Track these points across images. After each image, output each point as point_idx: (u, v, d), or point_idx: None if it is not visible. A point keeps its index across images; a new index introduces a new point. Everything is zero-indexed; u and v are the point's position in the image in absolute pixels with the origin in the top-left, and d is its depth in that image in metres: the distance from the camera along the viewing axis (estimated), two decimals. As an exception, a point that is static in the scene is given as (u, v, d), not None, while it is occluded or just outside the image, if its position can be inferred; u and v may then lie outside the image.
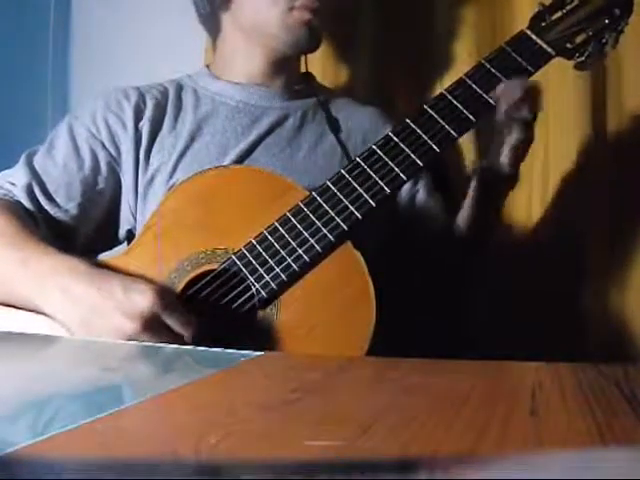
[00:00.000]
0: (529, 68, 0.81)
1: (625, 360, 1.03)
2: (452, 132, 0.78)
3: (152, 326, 0.68)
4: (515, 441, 0.34)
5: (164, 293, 0.71)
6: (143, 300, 0.69)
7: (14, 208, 0.84)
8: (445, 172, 1.06)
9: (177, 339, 0.70)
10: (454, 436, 0.34)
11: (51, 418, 0.41)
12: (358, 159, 0.78)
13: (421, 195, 0.97)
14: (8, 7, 1.25)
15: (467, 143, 1.10)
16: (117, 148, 0.91)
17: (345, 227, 0.75)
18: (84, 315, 0.70)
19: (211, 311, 0.75)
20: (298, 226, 0.76)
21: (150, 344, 0.68)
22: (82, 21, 1.38)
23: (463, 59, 1.11)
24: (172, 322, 0.70)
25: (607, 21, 0.83)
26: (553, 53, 0.82)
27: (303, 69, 1.02)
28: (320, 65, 1.12)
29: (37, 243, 0.77)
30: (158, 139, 0.92)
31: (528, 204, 1.08)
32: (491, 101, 0.80)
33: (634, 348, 1.03)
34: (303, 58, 1.01)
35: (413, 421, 0.38)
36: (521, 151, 0.83)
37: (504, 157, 0.83)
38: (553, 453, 0.32)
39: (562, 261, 1.06)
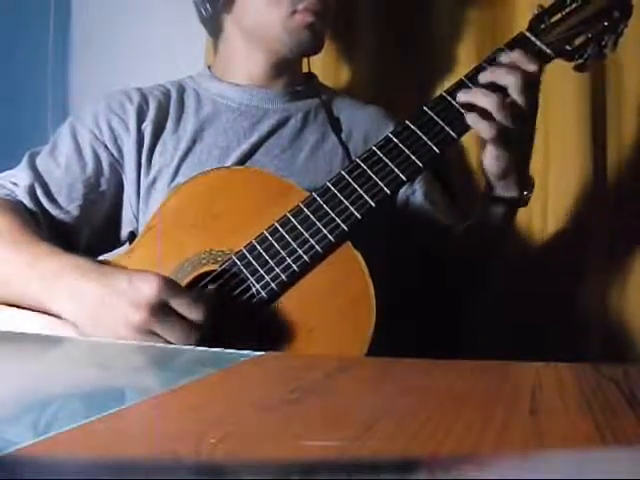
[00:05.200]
0: None
1: (625, 360, 1.03)
2: (451, 133, 0.78)
3: (160, 313, 0.68)
4: (515, 441, 0.34)
5: (170, 280, 0.71)
6: (149, 288, 0.68)
7: (17, 208, 0.84)
8: (446, 172, 1.06)
9: (187, 325, 0.69)
10: (454, 436, 0.34)
11: (52, 418, 0.41)
12: (358, 160, 0.79)
13: (417, 197, 0.97)
14: (8, 8, 1.25)
15: (469, 142, 1.10)
16: (119, 150, 0.91)
17: (345, 228, 0.76)
18: (91, 311, 0.70)
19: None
20: (298, 227, 0.76)
21: (149, 344, 0.68)
22: (82, 22, 1.39)
23: (463, 60, 1.11)
24: (181, 307, 0.69)
25: (606, 23, 0.83)
26: (552, 55, 0.82)
27: (305, 69, 1.02)
28: (320, 65, 1.12)
29: (41, 243, 0.77)
30: (160, 141, 0.92)
31: (529, 204, 1.08)
32: None
33: (634, 348, 1.03)
34: (305, 59, 1.01)
35: (413, 421, 0.38)
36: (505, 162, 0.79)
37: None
38: (553, 453, 0.32)
39: (562, 261, 1.06)
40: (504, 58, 0.79)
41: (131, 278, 0.70)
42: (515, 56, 0.78)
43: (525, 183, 0.84)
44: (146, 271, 0.72)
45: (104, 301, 0.70)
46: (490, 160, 0.80)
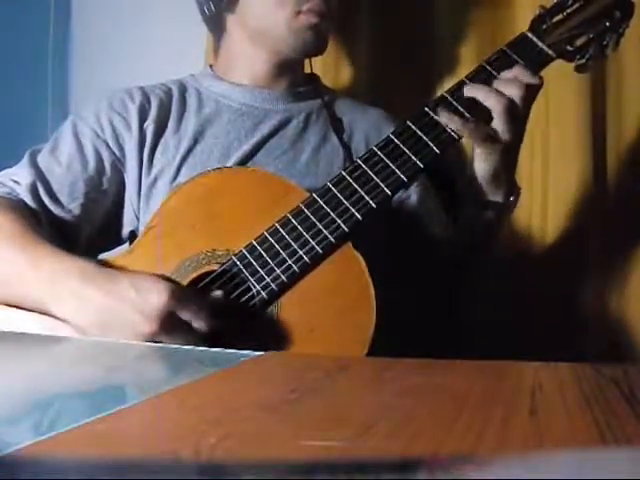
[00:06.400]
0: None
1: (625, 360, 1.03)
2: (452, 133, 0.78)
3: (169, 324, 0.68)
4: (515, 441, 0.34)
5: (177, 289, 0.71)
6: (159, 299, 0.68)
7: (18, 207, 0.83)
8: (447, 173, 1.06)
9: (192, 334, 0.70)
10: (454, 436, 0.34)
11: (52, 418, 0.41)
12: (359, 161, 0.79)
13: (412, 201, 0.96)
14: (8, 7, 1.25)
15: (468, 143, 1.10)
16: (121, 148, 0.91)
17: (345, 228, 0.75)
18: (98, 318, 0.70)
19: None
20: (299, 227, 0.76)
21: (150, 344, 0.68)
22: (82, 21, 1.39)
23: (463, 61, 1.11)
24: (188, 317, 0.70)
25: (608, 24, 0.83)
26: (554, 55, 0.82)
27: (307, 70, 1.02)
28: (321, 66, 1.12)
29: (44, 244, 0.77)
30: (162, 140, 0.92)
31: (529, 204, 1.08)
32: None
33: (634, 348, 1.03)
34: (308, 60, 1.01)
35: (413, 421, 0.38)
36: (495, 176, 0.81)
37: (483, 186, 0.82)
38: (553, 453, 0.32)
39: (562, 261, 1.06)
40: (506, 74, 0.80)
41: (138, 288, 0.70)
42: (518, 71, 0.79)
43: (511, 189, 0.84)
44: (152, 277, 0.72)
45: (111, 309, 0.70)
46: (479, 163, 0.80)
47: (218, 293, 0.75)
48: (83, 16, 1.38)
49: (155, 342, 0.69)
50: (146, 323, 0.68)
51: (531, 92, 0.79)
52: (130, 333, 0.68)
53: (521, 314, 1.04)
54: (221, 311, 0.73)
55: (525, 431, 0.36)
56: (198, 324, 0.70)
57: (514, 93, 0.77)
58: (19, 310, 0.76)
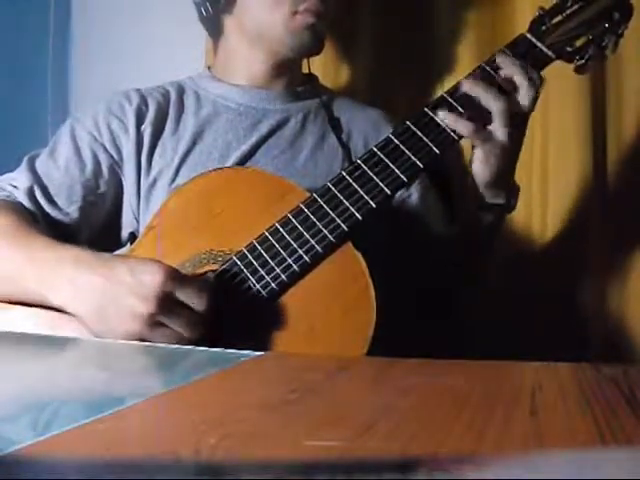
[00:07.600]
0: None
1: (625, 360, 1.03)
2: (452, 134, 0.78)
3: (166, 305, 0.68)
4: (515, 441, 0.34)
5: (173, 270, 0.71)
6: (153, 280, 0.68)
7: (17, 209, 0.84)
8: (446, 173, 1.06)
9: (192, 315, 0.69)
10: (454, 436, 0.34)
11: (52, 418, 0.41)
12: (359, 161, 0.79)
13: (412, 200, 0.97)
14: (8, 7, 1.25)
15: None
16: (119, 151, 0.91)
17: (345, 228, 0.76)
18: (96, 303, 0.70)
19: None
20: (299, 227, 0.76)
21: (149, 344, 0.68)
22: (82, 22, 1.39)
23: (464, 61, 1.11)
24: (185, 296, 0.69)
25: (607, 25, 0.83)
26: (553, 56, 0.82)
27: (305, 70, 1.03)
28: (320, 66, 1.12)
29: (39, 237, 0.77)
30: (160, 142, 0.92)
31: (528, 203, 1.08)
32: None
33: (634, 348, 1.03)
34: (306, 60, 1.01)
35: (413, 421, 0.38)
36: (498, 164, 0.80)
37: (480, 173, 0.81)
38: (553, 453, 0.32)
39: (562, 261, 1.06)
40: (505, 71, 0.80)
41: (133, 270, 0.69)
42: (516, 70, 0.79)
43: (512, 190, 0.84)
44: (148, 260, 0.72)
45: (107, 293, 0.69)
46: (479, 165, 0.80)
47: (209, 275, 0.75)
48: (83, 16, 1.38)
49: (157, 325, 0.68)
50: (143, 304, 0.67)
51: (532, 91, 0.79)
52: (128, 316, 0.68)
53: (521, 314, 1.04)
54: (220, 294, 0.72)
55: (525, 431, 0.36)
56: (197, 304, 0.69)
57: (513, 92, 0.77)
58: (18, 309, 0.76)
